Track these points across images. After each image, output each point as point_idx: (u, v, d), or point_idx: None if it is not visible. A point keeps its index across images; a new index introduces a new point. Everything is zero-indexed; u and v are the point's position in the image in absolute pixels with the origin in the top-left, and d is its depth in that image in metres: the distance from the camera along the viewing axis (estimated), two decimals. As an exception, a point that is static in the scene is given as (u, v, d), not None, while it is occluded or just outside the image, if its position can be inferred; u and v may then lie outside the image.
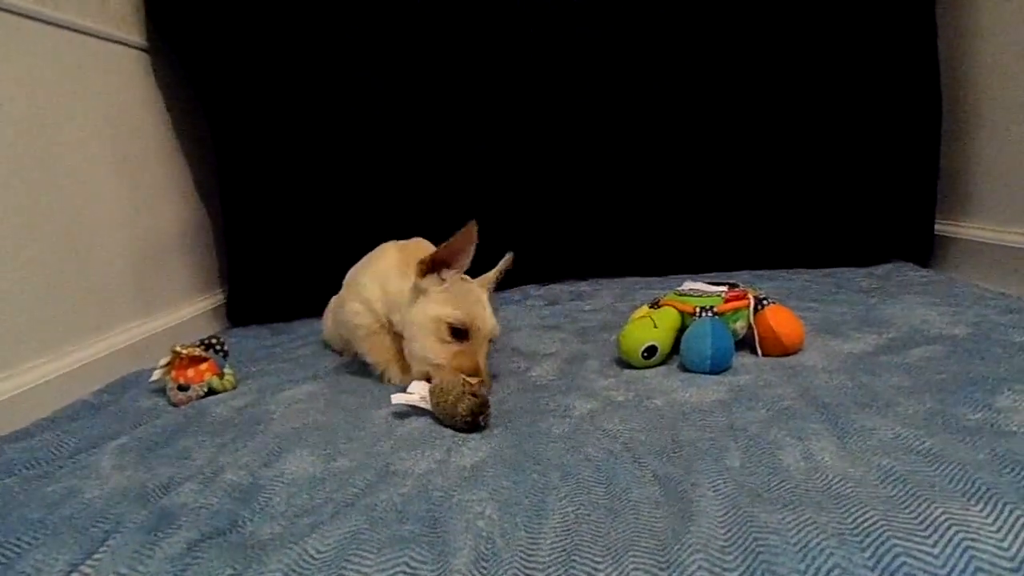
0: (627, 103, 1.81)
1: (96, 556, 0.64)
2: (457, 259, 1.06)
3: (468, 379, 0.95)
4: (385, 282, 1.15)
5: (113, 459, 0.89)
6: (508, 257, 1.18)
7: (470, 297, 1.06)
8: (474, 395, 0.91)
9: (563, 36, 1.77)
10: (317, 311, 1.51)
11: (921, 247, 1.73)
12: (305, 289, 1.61)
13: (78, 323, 1.25)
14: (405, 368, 1.12)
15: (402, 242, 1.27)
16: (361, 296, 1.17)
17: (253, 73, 1.64)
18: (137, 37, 1.54)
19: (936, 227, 1.73)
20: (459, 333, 1.03)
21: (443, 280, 1.06)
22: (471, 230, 1.03)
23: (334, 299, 1.38)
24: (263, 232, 1.71)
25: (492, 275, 1.17)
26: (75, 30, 1.32)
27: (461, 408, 0.89)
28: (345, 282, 1.28)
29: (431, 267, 1.06)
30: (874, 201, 1.76)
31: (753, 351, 1.11)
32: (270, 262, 1.73)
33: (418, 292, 1.07)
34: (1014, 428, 0.75)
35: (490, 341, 1.08)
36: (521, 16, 1.75)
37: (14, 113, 1.14)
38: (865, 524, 0.59)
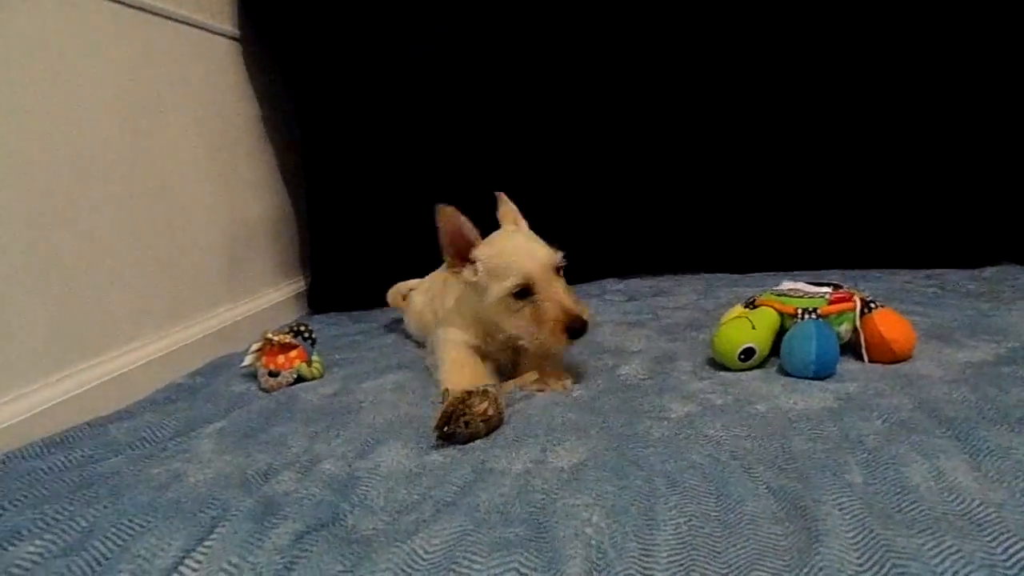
0: (716, 89, 1.74)
1: (207, 543, 0.65)
2: (463, 242, 1.04)
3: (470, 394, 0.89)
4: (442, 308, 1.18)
5: (213, 443, 0.91)
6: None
7: (511, 257, 1.02)
8: (462, 411, 0.87)
9: (655, 26, 1.71)
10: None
11: (1034, 249, 1.61)
12: (385, 278, 1.61)
13: (174, 307, 1.29)
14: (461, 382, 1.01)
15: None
16: (449, 328, 1.14)
17: (341, 63, 1.65)
18: (230, 26, 1.57)
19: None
20: (523, 292, 1.00)
21: (472, 263, 1.04)
22: (439, 214, 1.02)
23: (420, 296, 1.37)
24: (345, 220, 1.73)
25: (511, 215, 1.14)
26: (170, 18, 1.34)
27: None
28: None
29: (459, 263, 1.06)
30: (983, 197, 1.65)
31: (858, 357, 1.05)
32: (351, 250, 1.74)
33: (470, 287, 1.07)
34: None
35: (558, 269, 1.03)
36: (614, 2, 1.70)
37: (113, 102, 1.17)
38: (1018, 556, 0.54)
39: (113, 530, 0.68)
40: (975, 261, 1.67)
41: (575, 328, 0.98)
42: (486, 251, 1.04)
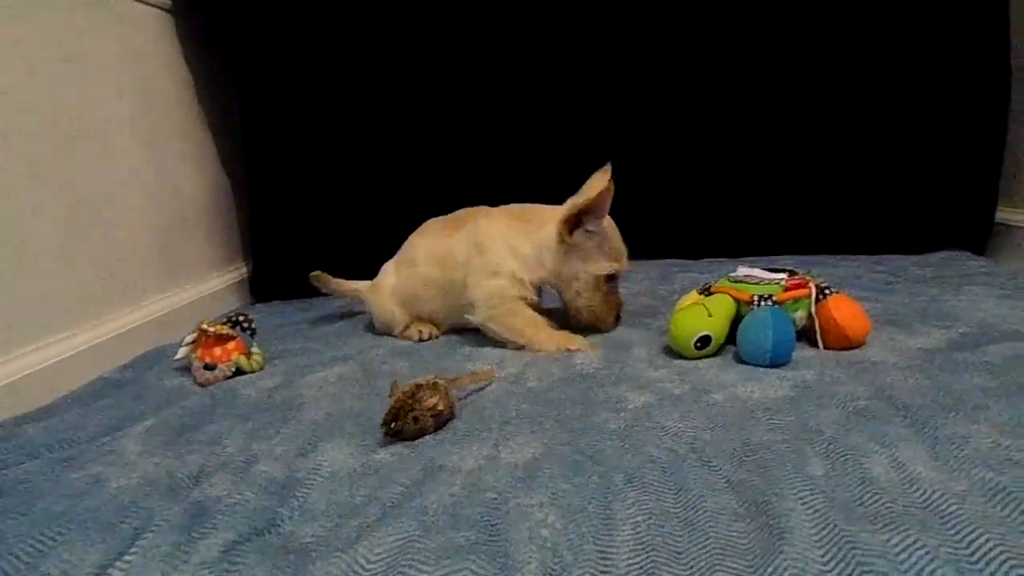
0: (672, 78, 1.72)
1: (127, 558, 0.59)
2: (599, 210, 1.10)
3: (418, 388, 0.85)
4: (515, 251, 1.16)
5: (139, 443, 0.84)
6: (609, 185, 1.09)
7: (615, 243, 1.15)
8: (410, 406, 0.82)
9: (607, 15, 1.67)
10: None
11: (979, 235, 1.64)
12: (331, 265, 1.55)
13: (101, 295, 1.20)
14: (552, 336, 1.14)
15: (453, 215, 1.27)
16: (502, 271, 1.15)
17: (282, 39, 1.56)
18: (160, -5, 1.47)
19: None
20: (612, 278, 1.16)
21: (589, 232, 1.11)
22: (609, 179, 1.09)
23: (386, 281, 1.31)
24: (288, 204, 1.66)
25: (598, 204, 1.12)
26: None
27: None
28: (405, 263, 1.27)
29: (577, 223, 1.11)
30: (931, 185, 1.67)
31: (813, 344, 1.04)
32: (295, 236, 1.67)
33: (570, 248, 1.13)
34: None
35: None
36: None
37: (33, 76, 1.08)
38: (982, 549, 0.53)
39: (21, 545, 0.61)
40: (922, 247, 1.69)
41: (619, 316, 1.21)
42: (601, 226, 1.12)
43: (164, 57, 1.48)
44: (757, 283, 1.08)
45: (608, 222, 1.14)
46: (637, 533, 0.60)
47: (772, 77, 1.69)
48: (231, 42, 1.56)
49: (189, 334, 1.11)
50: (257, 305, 1.70)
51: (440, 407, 0.85)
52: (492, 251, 1.17)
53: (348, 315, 1.48)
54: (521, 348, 1.14)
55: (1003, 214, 1.62)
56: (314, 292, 1.68)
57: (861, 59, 1.65)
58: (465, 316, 1.19)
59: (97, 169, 1.21)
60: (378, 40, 1.61)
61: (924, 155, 1.66)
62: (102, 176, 1.23)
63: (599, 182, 1.12)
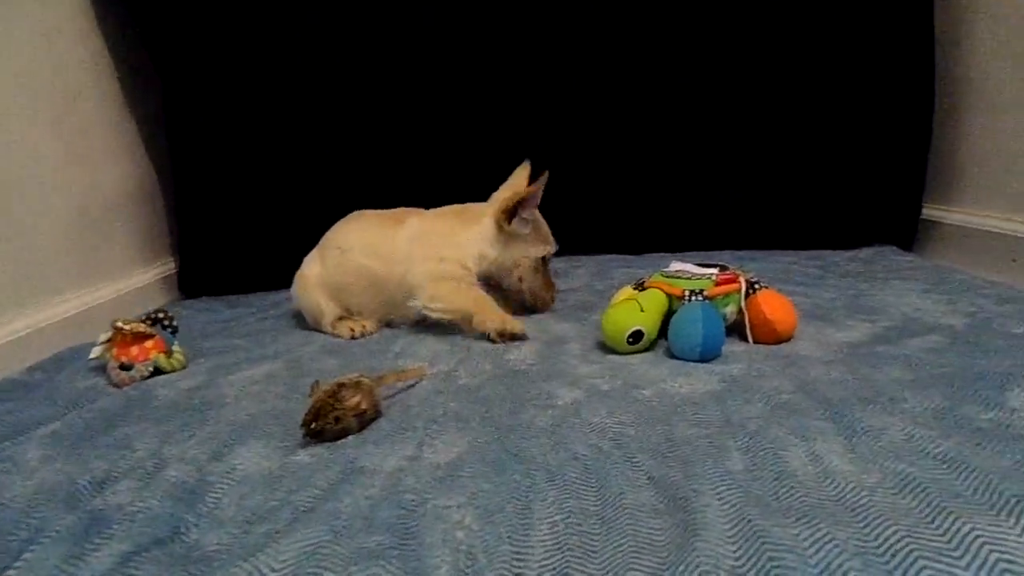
0: (605, 73, 1.71)
1: (9, 572, 0.55)
2: (534, 199, 1.20)
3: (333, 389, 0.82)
4: (460, 245, 1.21)
5: (41, 449, 0.80)
6: (544, 176, 1.20)
7: (545, 228, 1.26)
8: (332, 405, 0.80)
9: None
10: (276, 282, 1.41)
11: (906, 230, 1.69)
12: (263, 258, 1.50)
13: (12, 292, 1.13)
14: (497, 313, 1.17)
15: (389, 211, 1.30)
16: (447, 258, 1.19)
17: (204, 21, 1.50)
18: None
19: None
20: (545, 261, 1.26)
21: (523, 221, 1.21)
22: (543, 180, 1.19)
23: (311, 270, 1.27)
24: (217, 195, 1.60)
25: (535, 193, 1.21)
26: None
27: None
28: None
29: (514, 213, 1.20)
30: (861, 182, 1.71)
31: (743, 338, 1.05)
32: (223, 229, 1.61)
33: (509, 237, 1.22)
34: (1032, 431, 0.70)
35: None
36: None
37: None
38: (890, 541, 0.53)
39: None
40: (854, 242, 1.74)
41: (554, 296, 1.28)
42: (534, 215, 1.23)
43: (81, 38, 1.40)
44: (689, 278, 1.08)
45: (543, 224, 1.26)
46: (554, 532, 0.58)
47: (710, 76, 1.70)
48: (150, 22, 1.48)
49: (104, 333, 1.05)
50: (187, 301, 1.63)
51: (364, 406, 0.82)
52: (437, 244, 1.21)
53: (280, 311, 1.44)
54: (469, 326, 1.15)
55: (928, 210, 1.67)
56: (246, 288, 1.63)
57: (793, 58, 1.67)
58: (409, 303, 1.19)
59: (4, 159, 1.14)
60: (306, 24, 1.56)
61: (854, 153, 1.70)
62: (10, 167, 1.16)
63: (521, 177, 1.27)
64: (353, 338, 1.21)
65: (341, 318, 1.25)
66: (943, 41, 1.61)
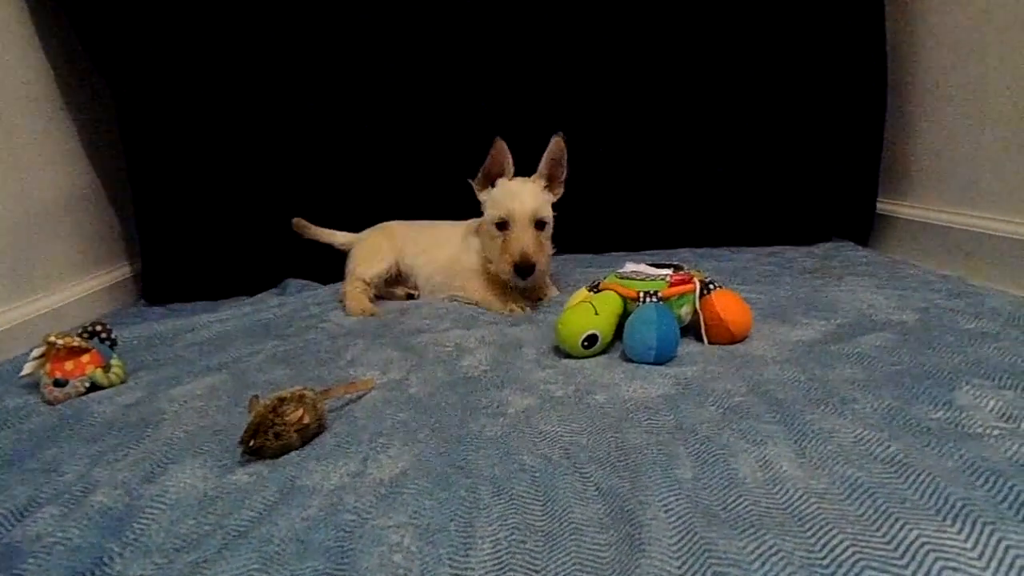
0: (563, 73, 1.70)
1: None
2: (499, 167, 1.27)
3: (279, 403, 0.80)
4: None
5: (-40, 475, 0.75)
6: (556, 138, 1.28)
7: (506, 193, 1.26)
8: (271, 421, 0.76)
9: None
10: (247, 288, 1.36)
11: (862, 226, 1.70)
12: (228, 263, 1.45)
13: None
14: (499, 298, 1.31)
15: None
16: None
17: (150, 22, 1.44)
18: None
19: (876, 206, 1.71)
20: (502, 225, 1.25)
21: (491, 190, 1.28)
22: (498, 145, 1.24)
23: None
24: (176, 199, 1.54)
25: (542, 167, 1.30)
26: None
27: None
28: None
29: (486, 183, 1.29)
30: (817, 179, 1.72)
31: (699, 339, 1.05)
32: (188, 232, 1.56)
33: (482, 224, 1.31)
34: (979, 429, 0.69)
35: (539, 224, 1.25)
36: None
37: None
38: (835, 552, 0.52)
39: None
40: (811, 238, 1.75)
41: (521, 267, 1.21)
42: (500, 183, 1.28)
43: (13, 38, 1.34)
44: (643, 279, 1.07)
45: (511, 189, 1.27)
46: (496, 551, 0.56)
47: (667, 78, 1.70)
48: (92, 27, 1.42)
49: (37, 348, 1.00)
50: (143, 309, 1.58)
51: (306, 420, 0.79)
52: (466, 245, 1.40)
53: (236, 317, 1.39)
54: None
55: (883, 205, 1.69)
56: (214, 293, 1.57)
57: (749, 58, 1.68)
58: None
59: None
60: (262, 22, 1.52)
61: (810, 151, 1.72)
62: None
63: (494, 150, 1.29)
64: (410, 297, 1.44)
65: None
66: (895, 44, 1.63)
